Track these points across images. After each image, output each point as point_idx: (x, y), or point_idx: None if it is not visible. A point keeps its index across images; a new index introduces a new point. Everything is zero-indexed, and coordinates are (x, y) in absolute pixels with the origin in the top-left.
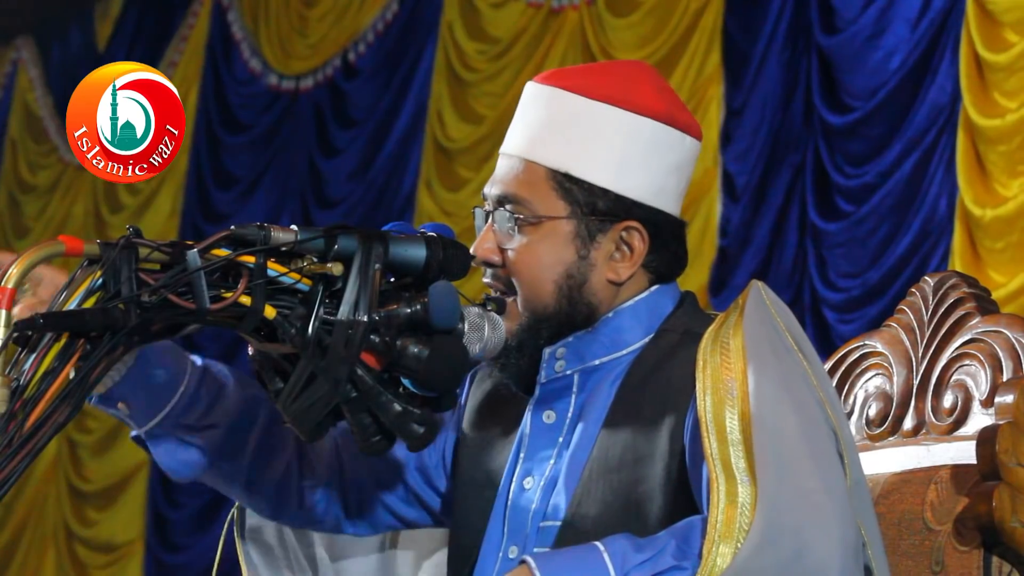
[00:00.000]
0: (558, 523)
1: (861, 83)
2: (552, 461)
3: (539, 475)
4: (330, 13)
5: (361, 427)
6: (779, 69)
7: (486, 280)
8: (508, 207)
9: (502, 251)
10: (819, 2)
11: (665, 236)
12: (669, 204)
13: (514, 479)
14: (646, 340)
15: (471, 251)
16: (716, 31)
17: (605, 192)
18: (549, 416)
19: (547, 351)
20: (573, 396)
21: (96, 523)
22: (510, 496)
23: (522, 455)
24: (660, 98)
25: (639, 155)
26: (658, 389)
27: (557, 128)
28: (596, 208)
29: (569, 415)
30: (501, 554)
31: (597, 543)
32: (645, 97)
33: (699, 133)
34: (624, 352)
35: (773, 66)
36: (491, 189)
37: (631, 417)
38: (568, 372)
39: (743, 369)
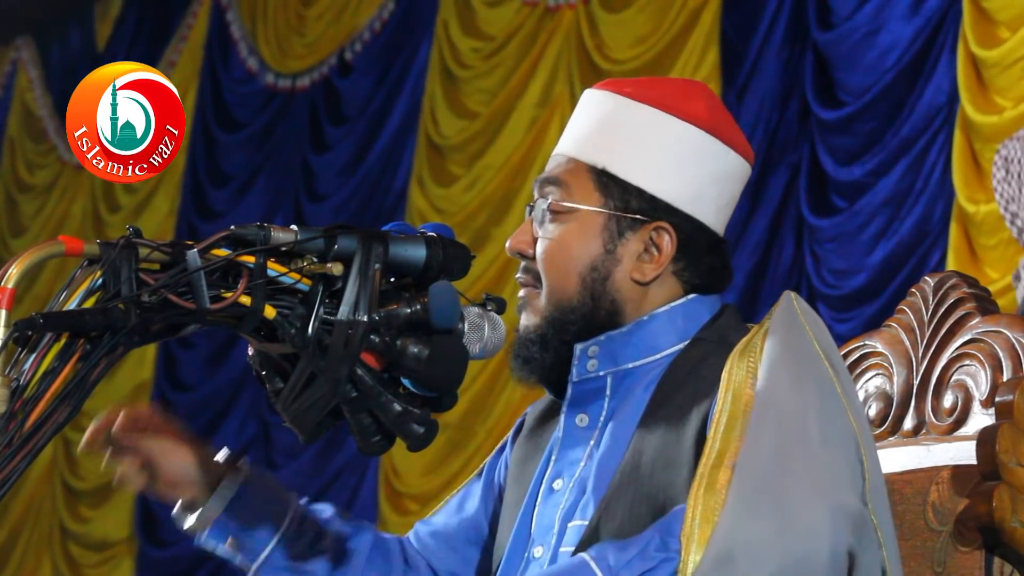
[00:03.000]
0: (585, 523)
1: (858, 80)
2: (583, 463)
3: (569, 476)
4: (327, 12)
5: (361, 427)
6: (777, 68)
7: (518, 276)
8: (546, 195)
9: (535, 242)
10: (816, 0)
11: (698, 246)
12: (707, 215)
13: (544, 480)
14: (680, 346)
15: (507, 243)
16: (714, 30)
17: (640, 192)
18: (582, 419)
19: (578, 347)
20: (606, 400)
21: (90, 520)
22: (539, 497)
23: (554, 457)
24: (709, 110)
25: (677, 159)
26: (688, 396)
27: (602, 128)
28: (629, 206)
29: (602, 418)
30: (527, 554)
31: (583, 554)
32: (693, 106)
33: (748, 155)
34: (657, 356)
35: (771, 65)
36: (535, 185)
37: (663, 423)
38: (601, 373)
39: (759, 372)
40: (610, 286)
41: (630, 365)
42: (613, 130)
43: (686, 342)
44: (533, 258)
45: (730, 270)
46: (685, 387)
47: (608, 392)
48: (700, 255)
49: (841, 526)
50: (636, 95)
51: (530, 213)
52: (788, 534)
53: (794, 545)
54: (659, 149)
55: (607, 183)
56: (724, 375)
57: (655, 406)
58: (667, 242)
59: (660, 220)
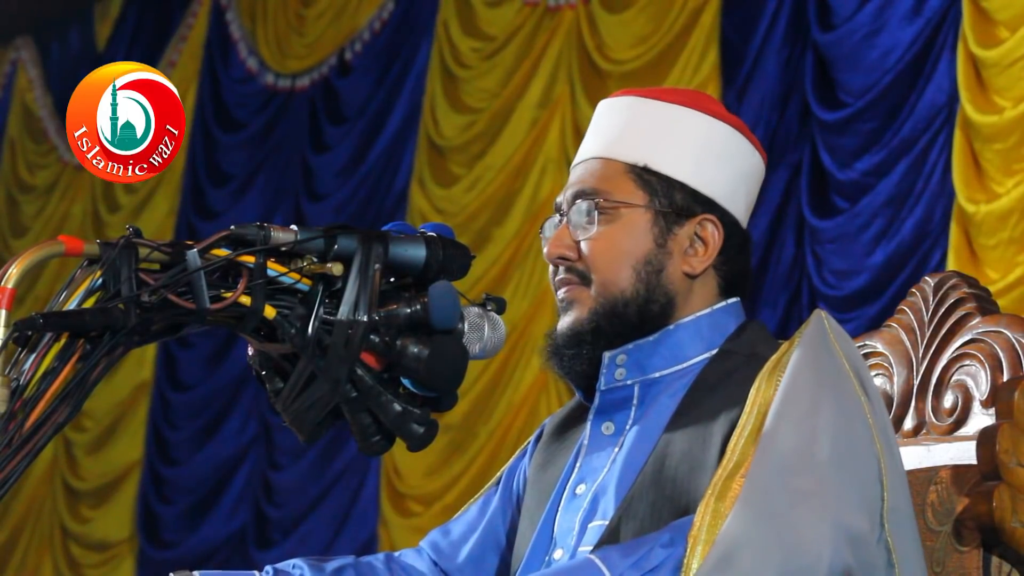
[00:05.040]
0: (605, 523)
1: (858, 81)
2: (606, 469)
3: (592, 482)
4: (327, 12)
5: (361, 427)
6: (777, 68)
7: (557, 278)
8: (588, 197)
9: (577, 245)
10: (816, 0)
11: (734, 243)
12: (739, 212)
13: (567, 486)
14: (707, 356)
15: (545, 252)
16: (714, 30)
17: (683, 186)
18: (608, 427)
19: (607, 355)
20: (633, 408)
21: (90, 521)
22: (562, 502)
23: (578, 464)
24: (727, 113)
25: (714, 155)
26: (718, 404)
27: (634, 128)
28: (674, 200)
29: (628, 426)
30: (547, 557)
31: (590, 554)
32: (718, 107)
33: (764, 156)
34: (684, 365)
35: (771, 65)
36: (565, 194)
37: (690, 428)
38: (628, 382)
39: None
40: (664, 279)
41: (657, 374)
42: (643, 128)
43: (713, 351)
44: (576, 261)
45: (752, 272)
46: (714, 396)
47: (635, 401)
48: (735, 252)
49: (841, 546)
50: (659, 96)
51: (560, 221)
52: (788, 546)
53: (793, 558)
54: (694, 144)
55: (649, 180)
56: (752, 392)
57: (682, 412)
58: (713, 234)
59: (706, 214)
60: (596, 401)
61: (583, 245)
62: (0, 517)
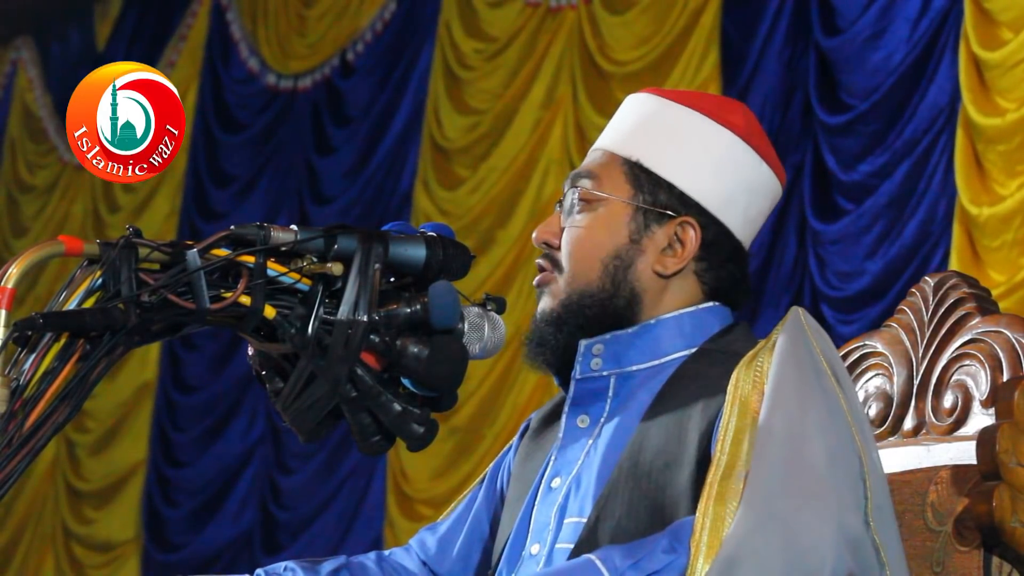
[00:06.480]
0: (583, 520)
1: (861, 83)
2: (581, 461)
3: (567, 474)
4: (329, 13)
5: (361, 427)
6: (778, 69)
7: (537, 260)
8: (578, 185)
9: (562, 232)
10: (819, 2)
11: (722, 250)
12: (734, 222)
13: (543, 479)
14: (686, 353)
15: (533, 234)
16: (715, 31)
17: (670, 186)
18: (583, 420)
19: (583, 344)
20: (608, 401)
21: (94, 522)
22: (538, 496)
23: (554, 457)
24: (746, 123)
25: (711, 161)
26: (693, 399)
27: (639, 125)
28: (658, 199)
29: (603, 419)
30: (525, 552)
31: (589, 555)
32: (732, 116)
33: (781, 175)
34: (661, 361)
35: (772, 66)
36: (568, 179)
37: (665, 423)
38: (604, 373)
39: (766, 386)
40: (631, 275)
41: (634, 368)
42: (650, 127)
43: (692, 350)
44: (557, 248)
45: (749, 284)
46: (690, 391)
47: (610, 394)
48: (722, 260)
49: (843, 549)
50: (677, 98)
51: (559, 207)
52: (792, 550)
53: (798, 562)
54: (693, 148)
55: (638, 175)
56: (730, 386)
57: (657, 407)
58: (691, 237)
59: (687, 216)
60: (572, 391)
61: (565, 232)
62: (1, 517)
